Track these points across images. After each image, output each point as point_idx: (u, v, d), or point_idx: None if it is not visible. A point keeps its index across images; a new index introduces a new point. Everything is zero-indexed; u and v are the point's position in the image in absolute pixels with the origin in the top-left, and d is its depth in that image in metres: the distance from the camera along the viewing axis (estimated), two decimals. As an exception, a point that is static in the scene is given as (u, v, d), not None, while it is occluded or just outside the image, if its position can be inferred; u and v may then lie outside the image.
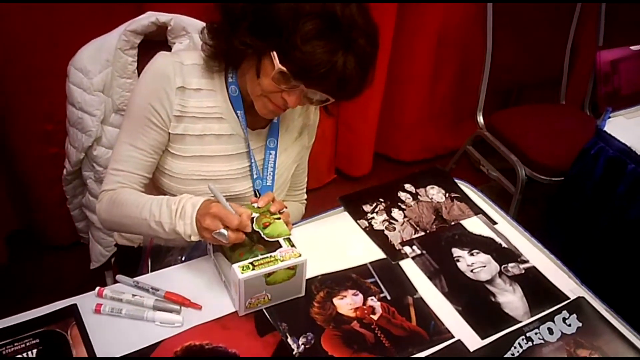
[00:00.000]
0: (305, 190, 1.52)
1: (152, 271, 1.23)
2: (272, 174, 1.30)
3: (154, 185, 1.28)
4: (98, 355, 1.01)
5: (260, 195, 1.28)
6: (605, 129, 1.85)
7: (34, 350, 1.00)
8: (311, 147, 1.44)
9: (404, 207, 1.43)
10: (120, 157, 1.20)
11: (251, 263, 1.06)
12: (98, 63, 1.43)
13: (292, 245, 1.11)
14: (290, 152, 1.35)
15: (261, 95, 1.14)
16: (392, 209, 1.42)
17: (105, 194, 1.21)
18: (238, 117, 1.23)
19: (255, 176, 1.28)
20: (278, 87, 1.10)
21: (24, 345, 1.01)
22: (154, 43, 1.43)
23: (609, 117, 1.90)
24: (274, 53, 1.06)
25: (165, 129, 1.20)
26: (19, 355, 0.99)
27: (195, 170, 1.23)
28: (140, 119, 1.19)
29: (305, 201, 1.53)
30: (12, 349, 1.00)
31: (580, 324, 1.16)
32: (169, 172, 1.24)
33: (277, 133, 1.29)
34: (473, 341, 1.11)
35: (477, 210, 1.44)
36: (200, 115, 1.21)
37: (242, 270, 1.05)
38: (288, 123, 1.33)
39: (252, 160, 1.27)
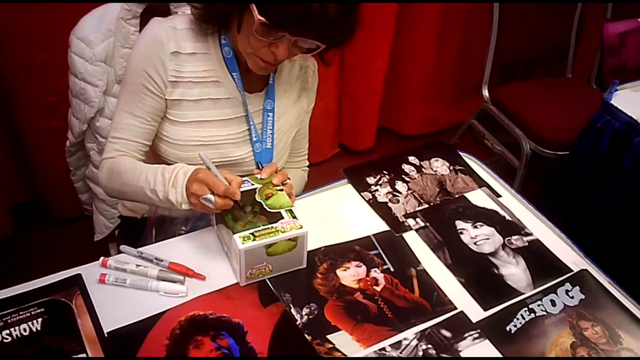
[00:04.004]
0: (306, 156, 1.51)
1: (156, 242, 1.23)
2: (271, 136, 1.29)
3: (154, 153, 1.28)
4: (103, 324, 1.02)
5: (262, 166, 1.27)
6: (612, 102, 1.83)
7: (39, 319, 1.01)
8: (311, 111, 1.43)
9: (407, 179, 1.42)
10: (119, 125, 1.21)
11: (252, 234, 1.06)
12: (100, 32, 1.42)
13: (294, 217, 1.11)
14: (289, 115, 1.34)
15: (252, 54, 1.14)
16: (396, 181, 1.41)
17: (105, 162, 1.22)
18: (234, 79, 1.22)
19: (254, 139, 1.27)
20: (264, 40, 1.09)
21: (29, 314, 1.02)
22: (156, 12, 1.41)
23: (616, 90, 1.89)
24: (253, 5, 1.05)
25: (161, 95, 1.19)
26: (24, 324, 1.00)
27: (194, 135, 1.23)
28: (136, 86, 1.18)
29: (307, 168, 1.52)
30: (18, 318, 1.01)
31: (583, 296, 1.16)
32: (167, 138, 1.24)
33: (273, 95, 1.28)
34: (476, 312, 1.12)
35: (481, 183, 1.43)
36: (196, 80, 1.20)
37: (243, 240, 1.05)
38: (286, 86, 1.32)
39: (251, 124, 1.26)
